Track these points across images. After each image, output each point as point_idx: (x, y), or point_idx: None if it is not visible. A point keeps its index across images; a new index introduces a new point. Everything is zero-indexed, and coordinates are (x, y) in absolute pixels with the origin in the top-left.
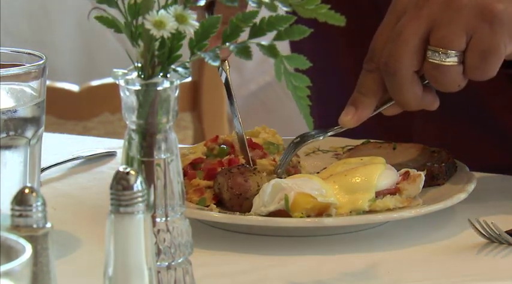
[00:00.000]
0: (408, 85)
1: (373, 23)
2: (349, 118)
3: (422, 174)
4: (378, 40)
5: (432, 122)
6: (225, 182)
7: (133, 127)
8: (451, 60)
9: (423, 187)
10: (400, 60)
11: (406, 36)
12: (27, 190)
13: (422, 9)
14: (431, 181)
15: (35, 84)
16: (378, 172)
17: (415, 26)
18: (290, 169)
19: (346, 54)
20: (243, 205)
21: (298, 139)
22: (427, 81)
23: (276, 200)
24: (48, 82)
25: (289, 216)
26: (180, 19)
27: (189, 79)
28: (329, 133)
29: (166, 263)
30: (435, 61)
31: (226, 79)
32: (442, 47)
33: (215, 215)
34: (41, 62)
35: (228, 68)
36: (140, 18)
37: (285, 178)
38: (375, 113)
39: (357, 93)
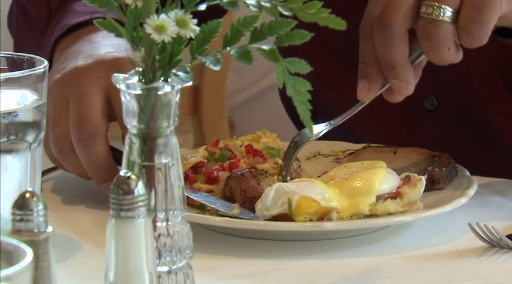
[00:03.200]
0: (399, 41)
1: None
2: (365, 93)
3: (423, 178)
4: (373, 3)
5: (431, 133)
6: (237, 185)
7: (134, 131)
8: (445, 15)
9: (424, 191)
10: (396, 13)
11: None
12: (28, 195)
13: None
14: (432, 186)
15: (35, 88)
16: (379, 177)
17: None
18: (292, 172)
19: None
20: None
21: (297, 137)
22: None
23: (279, 204)
24: None
25: (292, 220)
26: (181, 23)
27: (190, 83)
28: (325, 130)
29: (167, 268)
30: (429, 16)
31: None
32: (437, 2)
33: (216, 219)
34: (41, 66)
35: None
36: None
37: (290, 179)
38: (385, 87)
39: (362, 65)
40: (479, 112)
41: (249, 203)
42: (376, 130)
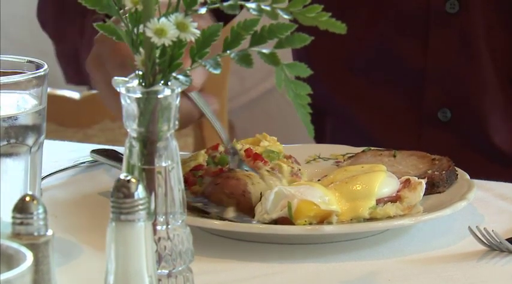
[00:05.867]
0: None
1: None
2: None
3: (423, 181)
4: None
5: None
6: (219, 194)
7: (134, 135)
8: None
9: (424, 194)
10: None
11: None
12: (28, 198)
13: None
14: (432, 189)
15: (36, 91)
16: (379, 180)
17: None
18: (292, 175)
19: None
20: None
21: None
22: None
23: (279, 207)
24: (49, 90)
25: (292, 224)
26: (181, 27)
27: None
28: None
29: (167, 271)
30: None
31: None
32: None
33: (216, 223)
34: (41, 70)
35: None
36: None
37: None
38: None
39: None
40: (492, 125)
41: (243, 206)
42: (388, 141)
